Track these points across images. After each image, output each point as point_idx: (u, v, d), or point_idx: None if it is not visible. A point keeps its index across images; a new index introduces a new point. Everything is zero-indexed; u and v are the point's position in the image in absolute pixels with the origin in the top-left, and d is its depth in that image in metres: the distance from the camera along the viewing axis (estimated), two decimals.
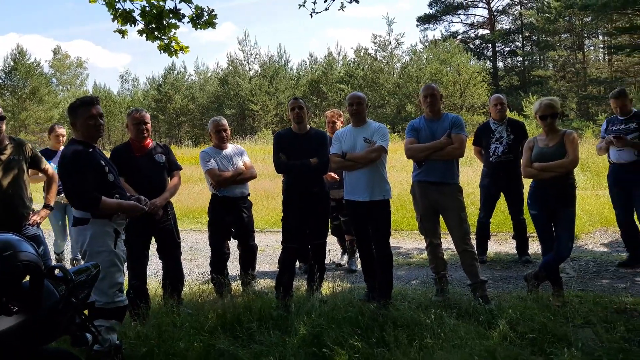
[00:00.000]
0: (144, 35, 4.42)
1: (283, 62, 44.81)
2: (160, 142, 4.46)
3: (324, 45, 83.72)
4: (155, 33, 4.37)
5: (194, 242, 7.86)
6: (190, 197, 11.24)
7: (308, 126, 4.48)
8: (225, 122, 4.69)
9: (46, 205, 4.26)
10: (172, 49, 4.57)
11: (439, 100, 4.34)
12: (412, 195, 4.49)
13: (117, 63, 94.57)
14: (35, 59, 42.69)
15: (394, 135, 29.49)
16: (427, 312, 3.60)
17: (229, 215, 4.61)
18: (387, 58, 38.21)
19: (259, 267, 6.06)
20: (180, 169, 4.42)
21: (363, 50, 39.49)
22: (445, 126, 4.23)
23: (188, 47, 4.66)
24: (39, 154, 4.24)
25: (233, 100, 41.46)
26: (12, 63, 41.00)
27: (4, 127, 3.94)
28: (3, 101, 40.55)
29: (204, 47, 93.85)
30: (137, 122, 4.08)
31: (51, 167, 4.37)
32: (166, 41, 4.50)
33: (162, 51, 4.55)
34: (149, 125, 4.15)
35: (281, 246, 4.36)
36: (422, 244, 6.76)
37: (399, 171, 12.10)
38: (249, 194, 4.76)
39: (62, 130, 5.86)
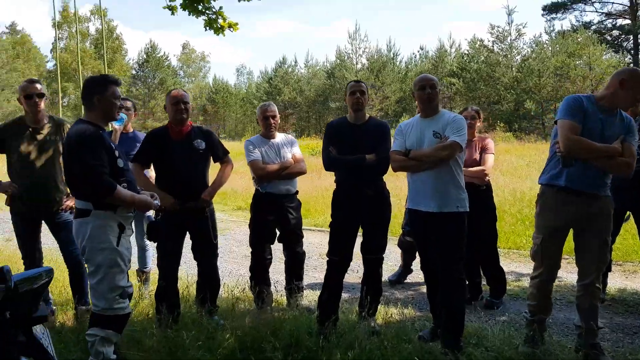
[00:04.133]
0: (187, 10, 3.91)
1: (392, 55, 43.56)
2: (203, 126, 3.93)
3: (438, 40, 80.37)
4: (196, 5, 3.82)
5: None
6: None
7: (367, 115, 3.67)
8: (274, 108, 4.03)
9: None
10: (219, 26, 4.00)
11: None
12: (538, 205, 3.34)
13: (240, 58, 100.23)
14: (164, 53, 46.61)
15: (509, 135, 26.97)
16: None
17: (273, 214, 3.95)
18: (505, 50, 35.13)
19: (318, 274, 5.38)
20: (228, 153, 3.87)
21: (478, 42, 36.75)
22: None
23: (237, 24, 4.09)
24: None
25: (338, 93, 41.21)
26: (145, 56, 45.20)
27: (42, 105, 3.66)
28: (136, 90, 44.87)
29: (319, 43, 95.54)
30: (176, 101, 3.57)
31: None
32: (212, 17, 3.94)
33: (207, 28, 4.02)
34: (189, 106, 3.63)
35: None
36: (522, 267, 5.60)
37: (505, 174, 10.61)
38: (296, 192, 4.06)
39: (129, 104, 4.41)
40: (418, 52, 50.24)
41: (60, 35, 44.13)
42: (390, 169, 3.53)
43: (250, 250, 4.07)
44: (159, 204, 3.01)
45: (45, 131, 3.68)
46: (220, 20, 3.99)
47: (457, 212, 3.22)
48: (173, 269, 3.66)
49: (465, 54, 38.85)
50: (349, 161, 3.52)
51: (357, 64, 43.21)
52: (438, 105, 3.37)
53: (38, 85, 3.60)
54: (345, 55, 43.85)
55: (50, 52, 35.97)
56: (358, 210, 3.53)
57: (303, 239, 4.16)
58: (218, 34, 4.06)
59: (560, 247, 3.26)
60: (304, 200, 4.50)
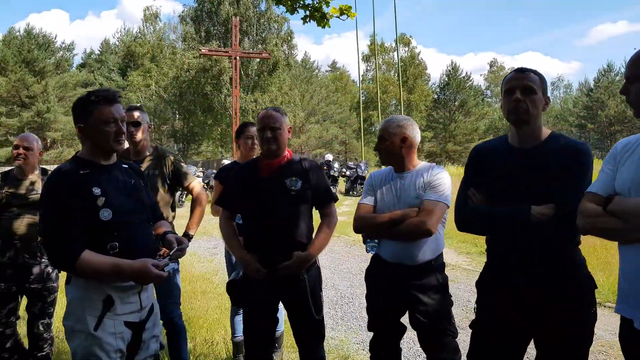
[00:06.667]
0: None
1: None
2: (307, 159, 2.76)
3: None
4: None
5: None
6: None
7: (546, 132, 1.98)
8: (405, 127, 2.52)
9: (185, 234, 3.06)
10: (322, 15, 2.86)
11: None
12: None
13: (567, 71, 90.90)
14: (466, 73, 45.58)
15: None
16: None
17: (393, 292, 2.49)
18: None
19: None
20: (334, 200, 2.68)
21: None
22: None
23: (350, 7, 2.82)
24: (184, 169, 3.29)
25: None
26: (446, 79, 45.21)
27: (140, 135, 3.14)
28: (436, 114, 45.18)
29: None
30: (260, 126, 2.58)
31: (199, 185, 3.38)
32: (313, 2, 2.85)
33: (309, 20, 2.90)
34: (280, 132, 2.56)
35: None
36: None
37: None
38: (433, 261, 2.44)
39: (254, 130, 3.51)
40: None
41: (368, 67, 48.63)
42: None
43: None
44: (176, 267, 2.06)
45: (144, 165, 3.15)
46: (326, 9, 2.81)
47: None
48: (262, 351, 2.65)
49: None
50: (500, 217, 1.88)
51: None
52: None
53: (135, 113, 3.13)
54: None
55: (359, 84, 39.92)
56: (523, 310, 1.85)
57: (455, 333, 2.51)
58: (322, 26, 2.88)
59: None
60: None
